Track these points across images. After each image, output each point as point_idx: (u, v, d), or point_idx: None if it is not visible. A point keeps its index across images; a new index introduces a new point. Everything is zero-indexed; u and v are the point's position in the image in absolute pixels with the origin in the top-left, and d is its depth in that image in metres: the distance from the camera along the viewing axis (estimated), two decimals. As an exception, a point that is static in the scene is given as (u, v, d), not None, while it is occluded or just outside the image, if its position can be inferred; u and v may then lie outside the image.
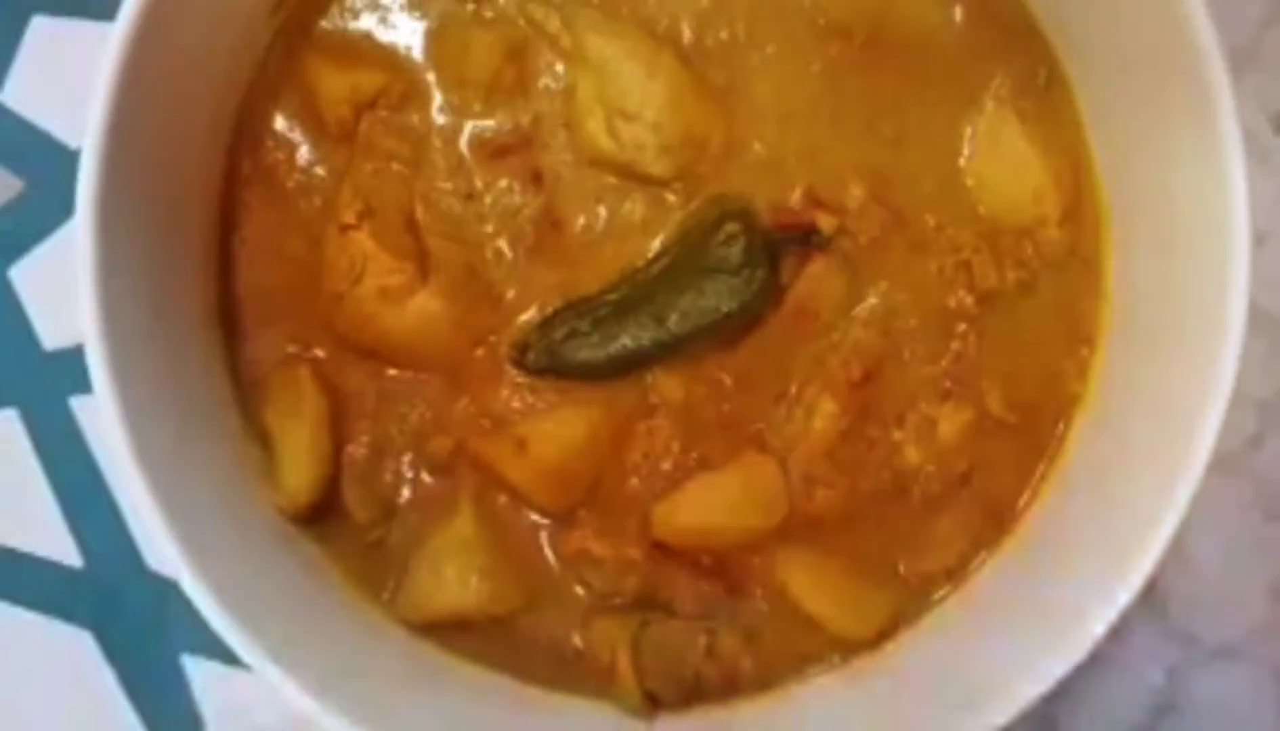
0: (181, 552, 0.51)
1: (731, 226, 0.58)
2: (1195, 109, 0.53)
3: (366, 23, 0.61)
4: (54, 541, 0.73)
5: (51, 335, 0.74)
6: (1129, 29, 0.56)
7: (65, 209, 0.52)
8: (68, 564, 0.73)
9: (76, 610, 0.73)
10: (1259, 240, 0.54)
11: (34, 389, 0.73)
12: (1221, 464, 0.55)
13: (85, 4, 0.73)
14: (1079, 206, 0.60)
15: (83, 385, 0.53)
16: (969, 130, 0.60)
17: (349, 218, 0.58)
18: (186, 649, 0.71)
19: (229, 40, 0.59)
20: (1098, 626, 0.52)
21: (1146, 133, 0.57)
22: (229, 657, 0.52)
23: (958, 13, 0.60)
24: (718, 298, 0.58)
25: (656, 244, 0.60)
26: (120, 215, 0.53)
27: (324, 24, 0.61)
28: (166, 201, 0.57)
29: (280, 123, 0.61)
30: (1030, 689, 0.52)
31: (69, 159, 0.69)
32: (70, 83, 0.70)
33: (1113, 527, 0.55)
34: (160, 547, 0.51)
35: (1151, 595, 0.69)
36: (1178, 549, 0.52)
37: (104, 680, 0.72)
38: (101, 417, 0.52)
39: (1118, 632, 0.52)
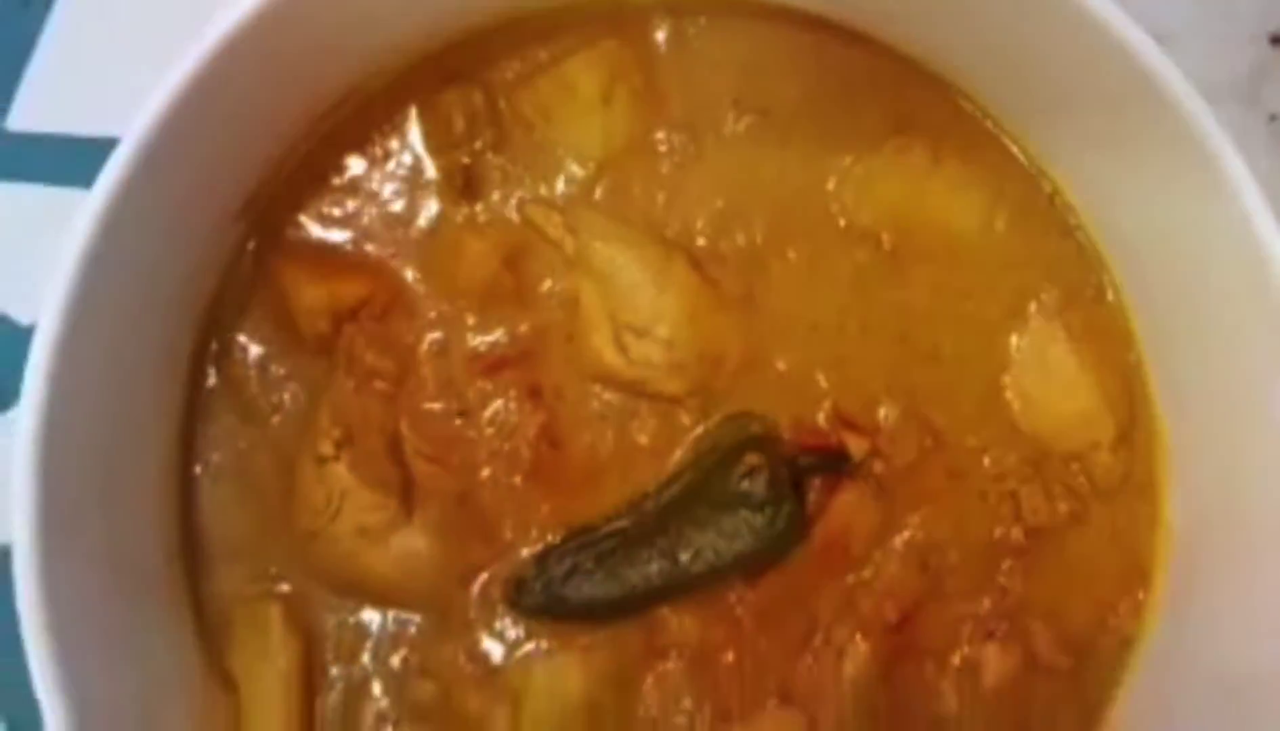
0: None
1: (753, 457, 0.52)
2: (1260, 313, 0.49)
3: (347, 225, 0.55)
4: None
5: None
6: (1188, 235, 0.51)
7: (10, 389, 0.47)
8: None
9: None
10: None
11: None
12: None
13: (27, 169, 0.68)
14: (1133, 429, 0.55)
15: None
16: (1012, 345, 0.55)
17: (326, 448, 0.52)
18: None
19: (192, 242, 0.53)
20: None
21: (1209, 347, 0.52)
22: None
23: (999, 219, 0.55)
24: (739, 537, 0.52)
25: (667, 468, 0.54)
26: (66, 438, 0.46)
27: (300, 225, 0.55)
28: (121, 419, 0.51)
29: (250, 332, 0.55)
30: None
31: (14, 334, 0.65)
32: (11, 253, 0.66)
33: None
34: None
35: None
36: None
37: None
38: (28, 650, 0.45)
39: None
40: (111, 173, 0.46)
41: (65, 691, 0.45)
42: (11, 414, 0.66)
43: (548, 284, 0.55)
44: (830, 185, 0.55)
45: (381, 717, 0.54)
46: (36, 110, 0.69)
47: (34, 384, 0.46)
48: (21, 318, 0.68)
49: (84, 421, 0.48)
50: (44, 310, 0.46)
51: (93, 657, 0.47)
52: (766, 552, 0.53)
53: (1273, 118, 0.68)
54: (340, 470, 0.52)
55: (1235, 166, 0.47)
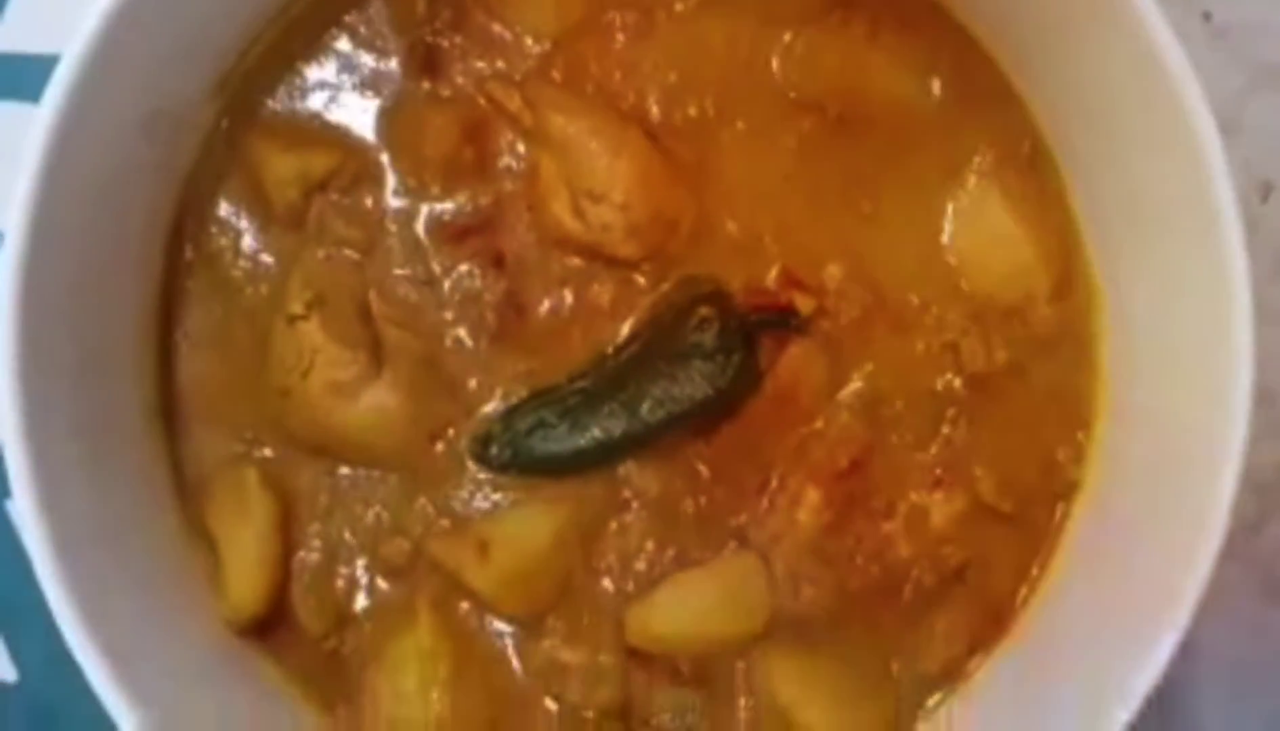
0: (108, 676, 0.47)
1: (705, 310, 0.55)
2: (1188, 178, 0.51)
3: (316, 102, 0.58)
4: (-15, 652, 0.68)
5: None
6: (1117, 98, 0.53)
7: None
8: (0, 678, 0.68)
9: (9, 728, 0.67)
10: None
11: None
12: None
13: (18, 88, 0.70)
14: (1069, 283, 0.58)
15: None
16: (950, 206, 0.58)
17: (297, 308, 0.55)
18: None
19: (168, 121, 0.55)
20: (1112, 727, 0.48)
21: (1138, 204, 0.55)
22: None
23: (935, 85, 0.58)
24: (692, 384, 0.55)
25: (626, 328, 0.57)
26: (47, 305, 0.49)
27: (271, 104, 0.58)
28: (100, 291, 0.53)
29: (225, 207, 0.58)
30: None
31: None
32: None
33: (1120, 622, 0.52)
34: (86, 669, 0.47)
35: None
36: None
37: (37, 806, 0.66)
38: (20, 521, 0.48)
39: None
40: (77, 50, 0.48)
41: (58, 556, 0.48)
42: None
43: (507, 156, 0.57)
44: (775, 58, 0.58)
45: (358, 573, 0.56)
46: (22, 30, 0.71)
47: (11, 257, 0.48)
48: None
49: (63, 300, 0.51)
50: (17, 193, 0.48)
51: (80, 521, 0.50)
52: (719, 399, 0.55)
53: (1207, 16, 0.71)
54: (311, 328, 0.55)
55: (1172, 50, 0.49)
